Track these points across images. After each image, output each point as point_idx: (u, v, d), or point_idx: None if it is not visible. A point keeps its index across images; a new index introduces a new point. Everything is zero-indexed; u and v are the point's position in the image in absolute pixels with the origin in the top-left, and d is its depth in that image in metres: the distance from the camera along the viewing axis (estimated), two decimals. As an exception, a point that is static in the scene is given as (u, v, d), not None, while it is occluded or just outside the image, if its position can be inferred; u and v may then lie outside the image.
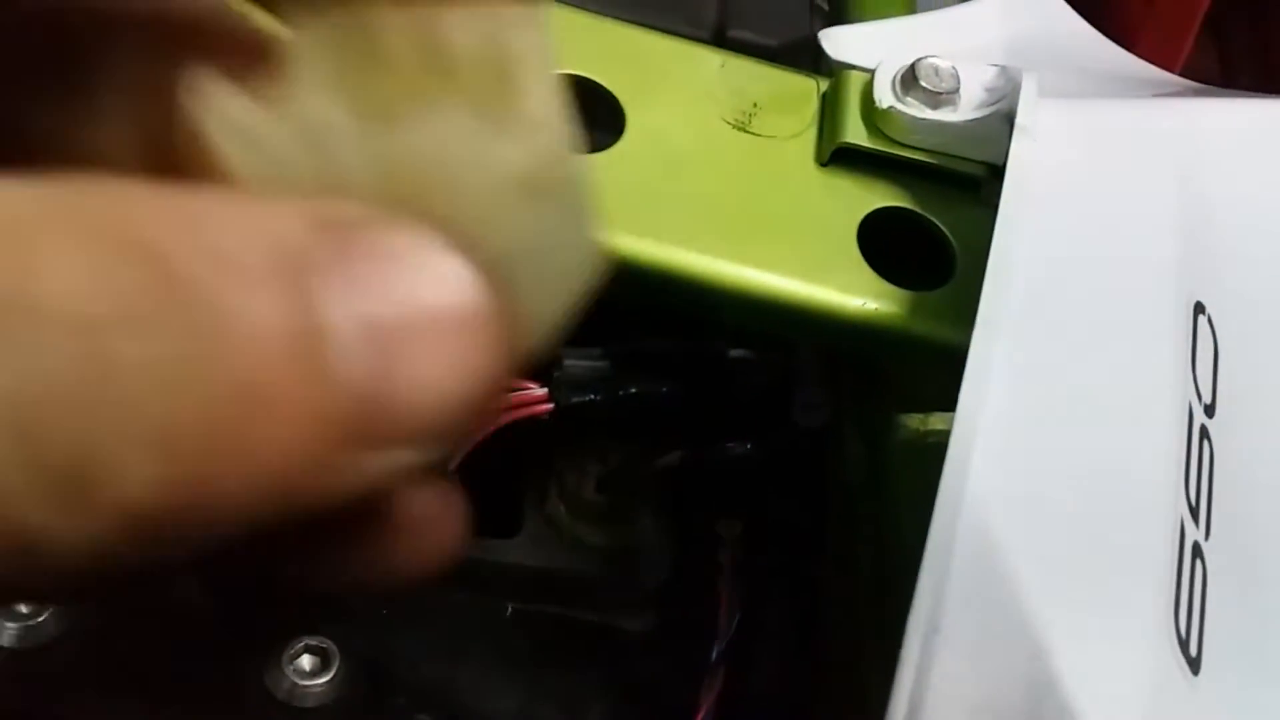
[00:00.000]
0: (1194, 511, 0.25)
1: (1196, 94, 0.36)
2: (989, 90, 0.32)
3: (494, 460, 0.37)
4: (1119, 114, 0.32)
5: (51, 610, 0.31)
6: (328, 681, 0.33)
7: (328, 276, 0.11)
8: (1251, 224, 0.30)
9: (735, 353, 0.37)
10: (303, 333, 0.11)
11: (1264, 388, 0.28)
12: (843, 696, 0.36)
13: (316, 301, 0.11)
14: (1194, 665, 0.24)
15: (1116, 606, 0.23)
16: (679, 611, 0.39)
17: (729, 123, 0.33)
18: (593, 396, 0.33)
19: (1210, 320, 0.29)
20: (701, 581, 0.38)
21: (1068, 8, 0.48)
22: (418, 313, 0.12)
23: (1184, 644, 0.24)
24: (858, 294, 0.31)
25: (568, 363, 0.34)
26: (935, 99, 0.32)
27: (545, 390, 0.33)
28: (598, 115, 0.32)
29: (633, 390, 0.34)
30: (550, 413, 0.33)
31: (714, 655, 0.36)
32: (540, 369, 0.33)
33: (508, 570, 0.38)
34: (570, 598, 0.38)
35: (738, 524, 0.38)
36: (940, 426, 0.33)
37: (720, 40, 0.42)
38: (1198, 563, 0.25)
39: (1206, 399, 0.27)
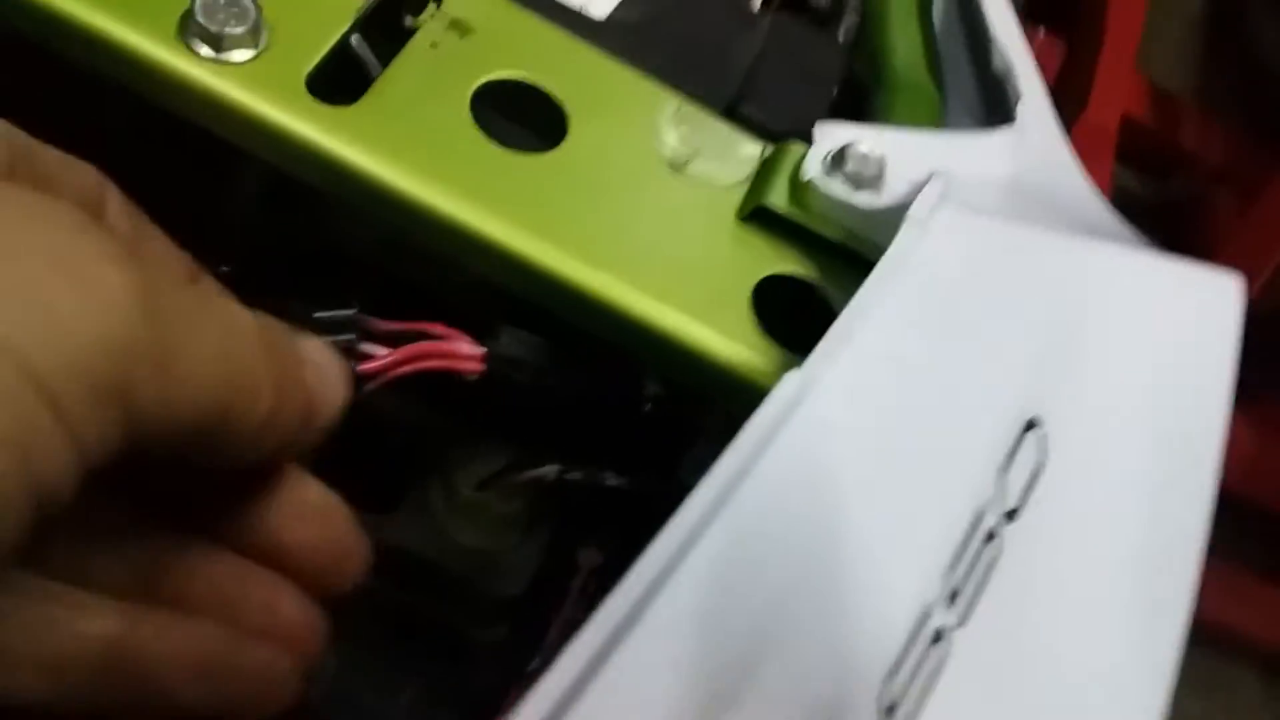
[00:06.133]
0: (952, 597, 0.27)
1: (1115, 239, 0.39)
2: (914, 186, 0.35)
3: (389, 437, 0.40)
4: (1019, 236, 0.34)
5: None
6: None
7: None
8: (1115, 374, 0.33)
9: (652, 388, 0.39)
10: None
11: (1076, 515, 0.30)
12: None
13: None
14: (898, 733, 0.26)
15: (819, 659, 0.26)
16: (526, 630, 0.41)
17: (666, 160, 0.36)
18: (518, 376, 0.35)
19: (1044, 438, 0.31)
20: (550, 605, 0.40)
21: (1071, 158, 0.51)
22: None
23: (888, 712, 0.26)
24: (737, 341, 0.34)
25: (505, 338, 0.35)
26: (858, 182, 0.35)
27: (482, 350, 0.34)
28: (544, 122, 0.36)
29: (554, 385, 0.36)
30: (478, 374, 0.34)
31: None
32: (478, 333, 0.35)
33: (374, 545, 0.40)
34: (425, 589, 0.41)
35: (598, 556, 0.40)
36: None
37: (730, 113, 0.45)
38: (937, 644, 0.27)
39: (1011, 503, 0.29)
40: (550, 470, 0.39)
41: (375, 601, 0.41)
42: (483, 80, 0.35)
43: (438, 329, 0.34)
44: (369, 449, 0.41)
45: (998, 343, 0.32)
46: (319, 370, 0.27)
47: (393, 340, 0.33)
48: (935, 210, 0.33)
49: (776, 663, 0.26)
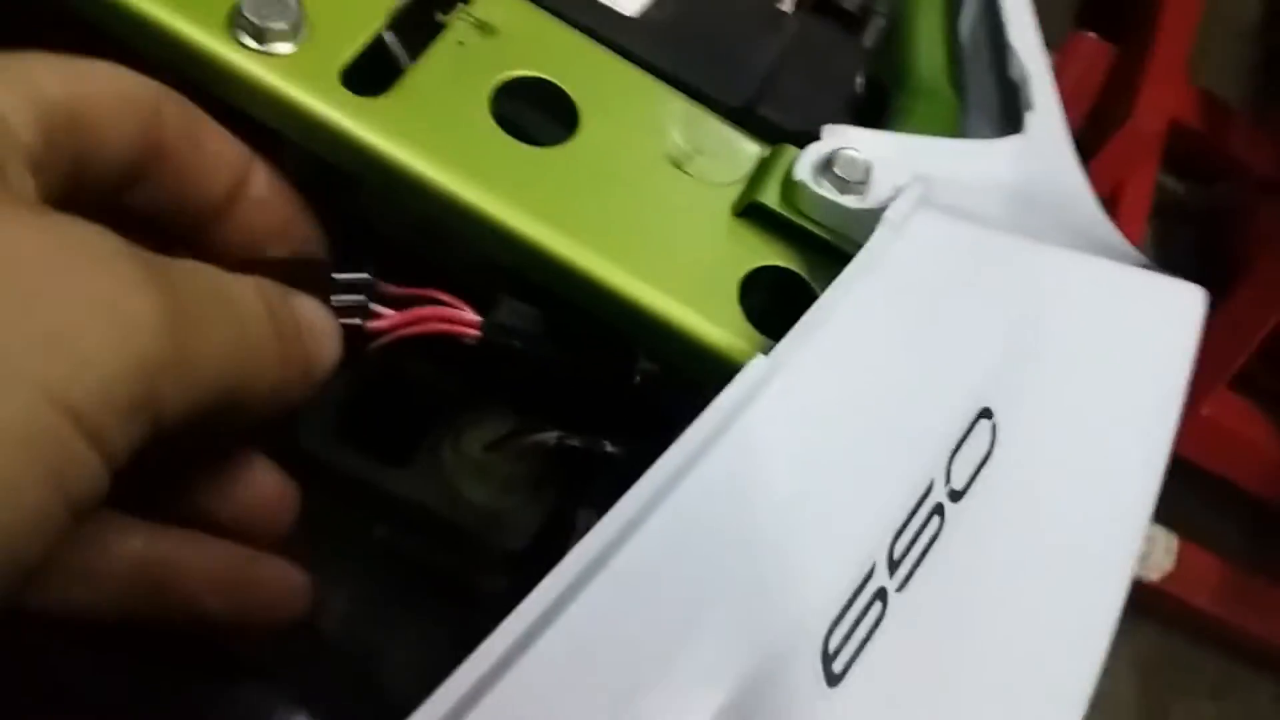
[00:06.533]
0: (894, 562, 0.30)
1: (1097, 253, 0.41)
2: (896, 190, 0.38)
3: (405, 396, 0.44)
4: (991, 241, 0.37)
5: None
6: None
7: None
8: (1071, 375, 0.35)
9: (643, 364, 0.42)
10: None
11: (1017, 503, 0.33)
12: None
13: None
14: (832, 679, 0.29)
15: (771, 605, 0.29)
16: (528, 581, 0.44)
17: (669, 157, 0.40)
18: (518, 343, 0.38)
19: (995, 428, 0.34)
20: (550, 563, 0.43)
21: (1076, 168, 0.53)
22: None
23: (829, 657, 0.29)
24: (723, 326, 0.37)
25: (503, 309, 0.39)
26: (844, 185, 0.38)
27: (481, 318, 0.37)
28: (558, 116, 0.39)
29: (547, 354, 0.40)
30: (475, 339, 0.37)
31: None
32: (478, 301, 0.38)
33: (387, 495, 0.44)
34: (434, 539, 0.45)
35: (594, 516, 0.43)
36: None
37: (746, 113, 0.47)
38: (876, 603, 0.30)
39: (958, 485, 0.32)
40: (550, 436, 0.42)
41: (387, 547, 0.45)
42: (503, 77, 0.39)
43: (444, 296, 0.37)
44: (386, 406, 0.44)
45: (960, 337, 0.35)
46: (315, 331, 0.31)
47: (402, 304, 0.36)
48: (911, 213, 0.36)
49: (729, 604, 0.29)
